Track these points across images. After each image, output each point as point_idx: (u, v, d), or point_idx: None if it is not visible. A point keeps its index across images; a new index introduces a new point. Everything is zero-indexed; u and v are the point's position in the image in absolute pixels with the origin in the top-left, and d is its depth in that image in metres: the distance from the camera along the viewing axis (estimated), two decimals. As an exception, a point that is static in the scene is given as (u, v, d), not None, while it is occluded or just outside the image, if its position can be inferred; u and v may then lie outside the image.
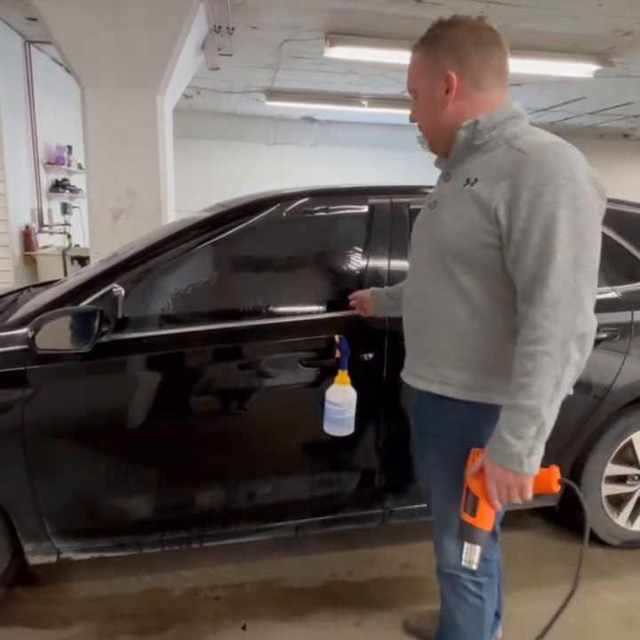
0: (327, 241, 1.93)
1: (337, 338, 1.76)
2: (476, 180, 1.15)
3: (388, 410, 1.88)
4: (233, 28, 4.31)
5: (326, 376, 1.80)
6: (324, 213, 1.91)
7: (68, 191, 5.73)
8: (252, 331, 1.81)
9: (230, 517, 1.88)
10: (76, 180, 5.97)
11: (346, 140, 8.86)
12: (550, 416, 1.06)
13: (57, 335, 1.58)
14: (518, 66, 4.83)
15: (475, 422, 1.23)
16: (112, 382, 1.72)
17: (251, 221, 1.83)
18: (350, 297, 1.79)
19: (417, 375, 1.33)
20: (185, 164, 7.28)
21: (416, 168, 9.21)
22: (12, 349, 1.66)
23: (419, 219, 1.38)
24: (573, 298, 1.03)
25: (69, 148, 5.78)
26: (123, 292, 1.71)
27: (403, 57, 4.59)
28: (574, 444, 2.05)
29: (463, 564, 1.14)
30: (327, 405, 1.75)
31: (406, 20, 4.06)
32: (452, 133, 1.19)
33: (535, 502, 2.13)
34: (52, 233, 5.52)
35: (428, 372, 1.29)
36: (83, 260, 4.80)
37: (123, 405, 1.72)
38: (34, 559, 1.79)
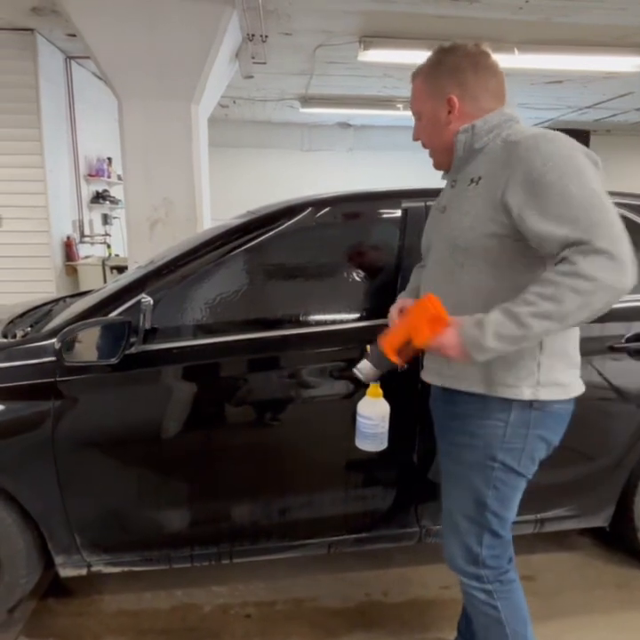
0: (359, 247, 1.86)
1: (368, 348, 1.69)
2: (479, 178, 1.21)
3: (424, 423, 1.78)
4: (266, 36, 4.31)
5: (359, 388, 1.73)
6: (355, 218, 1.85)
7: (108, 202, 5.86)
8: (282, 341, 1.76)
9: (261, 533, 1.82)
10: (116, 192, 6.10)
11: (382, 144, 8.78)
12: (534, 340, 1.12)
13: (86, 347, 1.57)
14: (558, 62, 4.65)
15: (483, 414, 1.24)
16: (142, 394, 1.70)
17: (280, 228, 1.78)
18: (394, 309, 1.71)
19: (436, 372, 1.35)
20: (221, 173, 7.36)
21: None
22: (42, 361, 1.66)
23: (428, 223, 1.44)
24: (616, 250, 1.01)
25: (109, 159, 5.91)
26: (151, 302, 1.69)
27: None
28: (627, 460, 1.92)
29: (355, 371, 1.32)
30: (359, 419, 1.67)
31: (442, 19, 3.96)
32: (453, 149, 1.28)
33: (584, 522, 2.01)
34: (93, 243, 5.64)
35: (444, 368, 1.31)
36: (122, 270, 4.88)
37: (152, 417, 1.70)
38: (65, 572, 1.78)
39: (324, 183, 8.31)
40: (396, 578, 2.06)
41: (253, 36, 4.32)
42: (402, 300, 1.71)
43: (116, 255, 5.77)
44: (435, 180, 2.07)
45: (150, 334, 1.70)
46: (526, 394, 1.20)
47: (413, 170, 8.58)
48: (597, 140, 8.73)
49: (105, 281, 5.02)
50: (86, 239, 5.52)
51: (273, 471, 1.78)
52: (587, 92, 6.18)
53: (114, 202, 5.94)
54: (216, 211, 4.69)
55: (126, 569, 1.80)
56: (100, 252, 5.80)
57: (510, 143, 1.17)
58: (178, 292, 1.73)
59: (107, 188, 5.99)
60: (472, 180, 1.23)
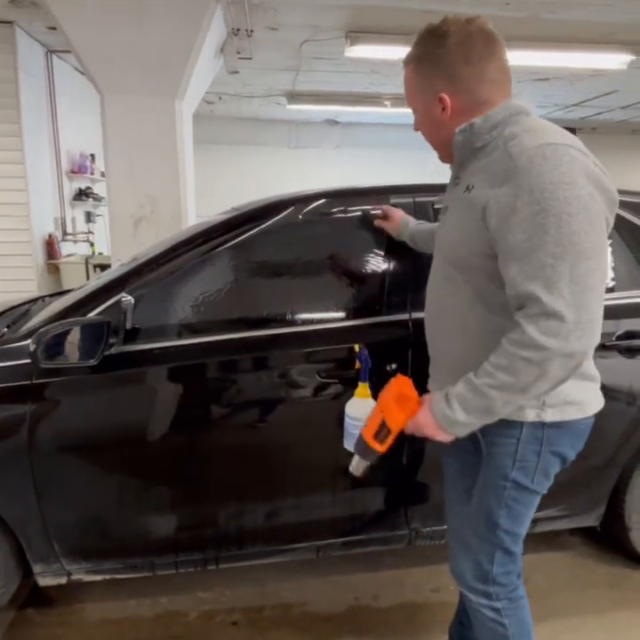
0: (346, 244, 1.81)
1: (357, 347, 1.64)
2: (472, 186, 1.10)
3: (414, 424, 1.75)
4: (251, 30, 4.25)
5: (346, 388, 1.69)
6: (342, 215, 1.80)
7: (91, 199, 5.75)
8: (268, 340, 1.71)
9: (247, 538, 1.77)
10: (100, 189, 5.99)
11: (369, 141, 8.74)
12: (503, 411, 1.05)
13: (63, 348, 1.51)
14: (546, 59, 4.65)
15: (499, 437, 1.16)
16: (122, 396, 1.64)
17: (265, 225, 1.73)
18: (381, 209, 1.72)
19: (440, 384, 1.24)
20: (207, 170, 7.27)
21: (444, 167, 9.06)
22: (17, 363, 1.60)
23: (438, 224, 1.34)
24: (569, 313, 0.94)
25: (92, 156, 5.80)
26: (132, 302, 1.63)
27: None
28: (618, 458, 1.89)
29: (350, 470, 1.25)
30: (347, 420, 1.63)
31: (429, 14, 3.91)
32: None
33: (575, 522, 1.99)
34: (75, 241, 5.53)
35: (445, 381, 1.19)
36: (105, 268, 4.79)
37: (133, 420, 1.64)
38: (44, 581, 1.72)
39: (312, 180, 8.24)
40: (386, 581, 2.02)
41: (238, 30, 4.25)
42: (397, 213, 1.70)
43: (100, 253, 5.67)
44: (424, 178, 2.04)
45: (131, 334, 1.64)
46: (530, 416, 1.11)
47: (402, 167, 8.58)
48: (583, 138, 8.56)
49: (88, 279, 4.92)
50: (69, 237, 5.42)
51: (259, 474, 1.73)
52: (573, 90, 6.20)
53: (97, 199, 5.83)
54: (201, 208, 4.62)
55: (108, 577, 1.75)
56: (82, 250, 5.69)
57: (507, 153, 1.03)
58: (160, 291, 1.67)
59: (90, 185, 5.88)
60: (467, 187, 1.12)
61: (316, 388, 1.70)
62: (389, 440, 1.17)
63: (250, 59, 4.79)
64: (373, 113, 7.49)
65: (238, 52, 4.60)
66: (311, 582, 2.01)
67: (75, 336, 1.51)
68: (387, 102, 6.79)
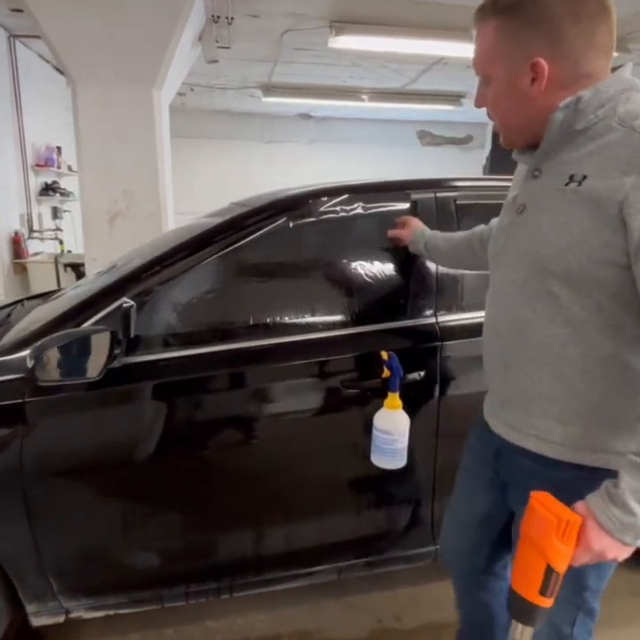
0: (367, 243, 1.68)
1: (385, 355, 1.52)
2: (584, 177, 0.88)
3: (443, 436, 1.64)
4: (232, 18, 4.06)
5: (371, 399, 1.57)
6: (362, 211, 1.67)
7: (58, 194, 5.46)
8: (284, 349, 1.57)
9: (265, 563, 1.63)
10: (67, 183, 5.70)
11: (344, 136, 8.63)
12: None
13: (62, 362, 1.33)
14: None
15: (580, 488, 0.89)
16: (125, 414, 1.48)
17: (280, 222, 1.58)
18: (397, 219, 1.60)
19: (508, 425, 1.05)
20: (178, 165, 7.00)
21: (416, 164, 9.06)
22: (7, 379, 1.41)
23: (499, 226, 1.09)
24: None
25: (59, 148, 5.50)
26: (134, 308, 1.47)
27: (412, 46, 4.36)
28: None
29: None
30: (375, 434, 1.51)
31: (417, 5, 3.83)
32: (540, 125, 0.93)
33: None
34: (42, 239, 5.24)
35: (522, 421, 1.02)
36: (77, 267, 4.54)
37: (138, 441, 1.47)
38: (38, 620, 1.55)
39: (287, 176, 8.11)
40: (406, 599, 1.91)
41: (219, 17, 4.06)
42: (412, 222, 1.58)
43: (69, 251, 5.39)
44: (397, 174, 1.92)
45: (133, 345, 1.48)
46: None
47: (377, 163, 8.52)
48: None
49: (58, 279, 4.65)
50: (35, 234, 5.12)
51: (277, 495, 1.59)
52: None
53: (65, 194, 5.54)
54: (174, 204, 4.41)
55: (111, 612, 1.58)
56: (50, 248, 5.40)
57: (638, 131, 0.84)
58: (168, 295, 1.51)
59: (56, 179, 5.58)
60: (572, 178, 0.89)
61: (339, 399, 1.57)
62: (559, 586, 0.85)
63: (228, 48, 4.59)
64: (348, 108, 7.39)
65: (217, 41, 4.40)
66: (327, 605, 1.88)
67: (75, 349, 1.33)
68: (364, 96, 6.68)
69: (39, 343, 1.31)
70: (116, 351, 1.40)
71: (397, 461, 1.51)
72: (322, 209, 1.62)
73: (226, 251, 1.53)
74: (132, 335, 1.46)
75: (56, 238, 5.43)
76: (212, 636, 1.76)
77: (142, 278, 1.51)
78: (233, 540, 1.59)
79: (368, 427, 1.55)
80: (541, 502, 0.84)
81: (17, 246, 4.68)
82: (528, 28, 0.89)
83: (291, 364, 1.55)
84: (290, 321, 1.58)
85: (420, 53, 4.47)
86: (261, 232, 1.57)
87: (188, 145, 8.02)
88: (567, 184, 0.90)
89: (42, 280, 4.59)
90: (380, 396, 1.54)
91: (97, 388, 1.41)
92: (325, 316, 1.61)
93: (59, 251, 5.27)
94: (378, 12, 3.98)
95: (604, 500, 0.83)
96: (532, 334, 0.97)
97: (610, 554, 0.83)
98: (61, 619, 1.55)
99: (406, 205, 1.69)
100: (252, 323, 1.57)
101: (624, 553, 0.84)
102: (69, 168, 5.70)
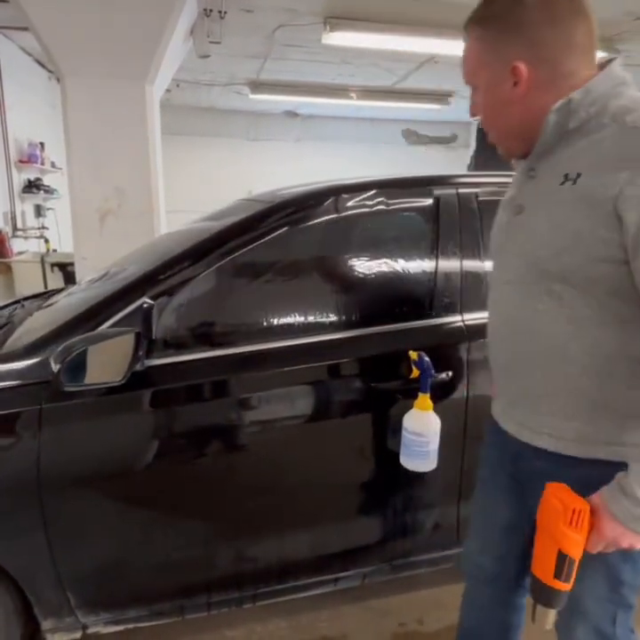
0: (391, 240, 1.65)
1: (414, 354, 1.49)
2: (578, 174, 0.88)
3: (470, 436, 1.61)
4: (225, 12, 3.98)
5: (398, 399, 1.54)
6: (384, 207, 1.64)
7: (42, 192, 5.29)
8: (310, 349, 1.52)
9: (290, 571, 1.59)
10: (50, 180, 5.54)
11: (330, 135, 8.57)
12: None
13: (84, 365, 1.26)
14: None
15: (598, 483, 0.91)
16: (149, 419, 1.42)
17: (306, 217, 1.54)
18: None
19: (519, 423, 1.05)
20: (162, 162, 6.89)
21: (401, 163, 9.06)
22: (23, 384, 1.34)
23: (498, 226, 1.10)
24: None
25: (42, 144, 5.34)
26: (154, 307, 1.41)
27: (406, 43, 4.33)
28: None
29: (536, 624, 0.97)
30: (406, 435, 1.48)
31: (412, 1, 3.80)
32: (531, 129, 0.94)
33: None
34: (26, 237, 5.08)
35: (532, 420, 1.01)
36: (65, 267, 4.40)
37: (160, 448, 1.41)
38: (54, 638, 1.47)
39: (273, 174, 8.03)
40: (427, 602, 1.88)
41: (211, 11, 3.98)
42: None
43: (54, 251, 5.24)
44: (383, 173, 1.90)
45: (155, 346, 1.42)
46: None
47: (364, 161, 8.49)
48: None
49: (45, 279, 4.51)
50: (19, 233, 4.96)
51: (304, 500, 1.55)
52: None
53: (49, 191, 5.38)
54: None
55: (131, 626, 1.52)
56: (33, 247, 5.24)
57: (630, 127, 0.85)
58: (192, 294, 1.45)
59: (39, 176, 5.42)
60: (567, 177, 0.89)
61: (366, 400, 1.54)
62: (575, 570, 0.90)
63: (219, 43, 4.51)
64: (335, 106, 7.34)
65: (208, 36, 4.32)
66: (347, 610, 1.84)
67: (99, 351, 1.26)
68: (353, 94, 6.64)
69: (63, 347, 1.24)
70: (140, 353, 1.34)
71: (428, 464, 1.48)
72: (347, 205, 1.58)
73: (256, 245, 1.48)
74: (154, 337, 1.41)
75: (41, 237, 5.27)
76: (231, 645, 1.71)
77: (163, 278, 1.45)
78: (258, 548, 1.54)
79: (394, 428, 1.52)
80: (554, 493, 0.90)
81: (1, 245, 4.52)
82: (505, 35, 0.92)
83: (316, 365, 1.51)
84: (314, 320, 1.54)
85: (412, 51, 4.45)
86: (284, 229, 1.53)
87: (172, 142, 7.87)
88: (562, 183, 0.90)
89: (27, 280, 4.44)
90: (407, 396, 1.51)
91: (119, 391, 1.34)
92: (349, 316, 1.57)
93: (44, 250, 5.12)
94: (372, 8, 3.94)
95: (616, 492, 0.87)
96: (534, 334, 0.97)
97: (624, 542, 0.88)
98: (78, 635, 1.49)
99: (429, 201, 1.66)
100: (276, 323, 1.52)
101: (635, 543, 0.88)
102: (53, 164, 5.55)
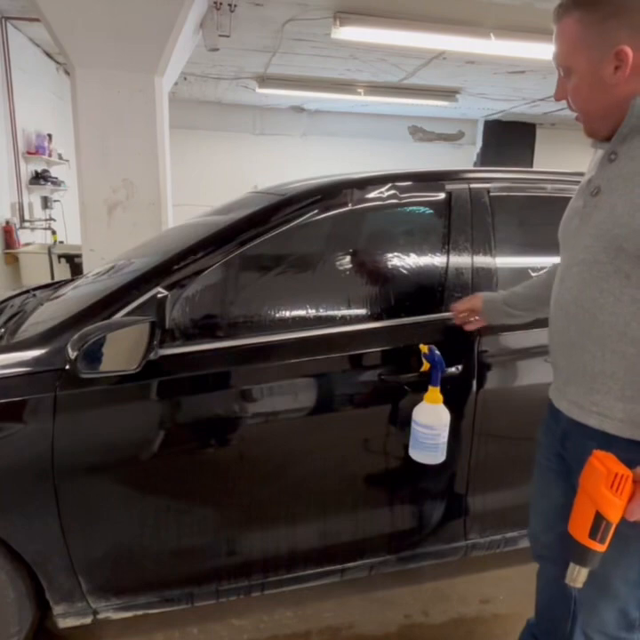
0: (402, 234, 1.66)
1: (424, 348, 1.50)
2: None
3: (479, 430, 1.63)
4: (235, 5, 3.98)
5: (407, 392, 1.55)
6: (396, 201, 1.64)
7: (49, 183, 5.30)
8: (322, 341, 1.53)
9: (298, 560, 1.60)
10: (57, 172, 5.55)
11: (336, 130, 8.57)
12: None
13: (101, 353, 1.27)
14: (535, 51, 4.60)
15: None
16: (161, 409, 1.43)
17: (318, 211, 1.55)
18: (455, 309, 1.52)
19: (570, 401, 1.08)
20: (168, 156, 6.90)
21: (407, 159, 9.05)
22: (36, 371, 1.35)
23: (572, 208, 1.11)
24: None
25: (49, 136, 5.35)
26: (169, 297, 1.42)
27: (416, 39, 4.32)
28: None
29: (567, 581, 0.98)
30: (415, 428, 1.49)
31: (424, -3, 3.80)
32: (622, 112, 0.96)
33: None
34: (33, 229, 5.10)
35: (585, 398, 1.04)
36: (71, 259, 4.42)
37: (174, 435, 1.43)
38: (65, 622, 1.49)
39: (279, 169, 8.04)
40: (432, 594, 1.90)
41: (221, 4, 3.98)
42: (472, 297, 1.53)
43: (61, 242, 5.25)
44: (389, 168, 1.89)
45: (169, 336, 1.43)
46: None
47: (368, 157, 8.48)
48: (543, 133, 8.97)
49: (52, 271, 4.53)
50: (26, 224, 4.98)
51: (313, 490, 1.56)
52: (545, 83, 6.24)
53: (56, 183, 5.39)
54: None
55: (141, 612, 1.53)
56: (40, 238, 5.26)
57: None
58: (206, 283, 1.46)
59: (46, 167, 5.43)
60: None
61: (375, 392, 1.55)
62: (611, 534, 0.92)
63: (228, 36, 4.51)
64: (341, 101, 7.33)
65: (217, 29, 4.32)
66: (353, 600, 1.86)
67: (115, 340, 1.28)
68: (360, 90, 6.63)
69: (80, 334, 1.26)
70: (154, 342, 1.35)
71: (438, 456, 1.49)
72: (359, 198, 1.59)
73: (270, 236, 1.49)
74: (168, 326, 1.42)
75: (48, 228, 5.28)
76: (239, 634, 1.72)
77: (177, 269, 1.46)
78: (267, 537, 1.56)
79: (404, 421, 1.53)
80: (600, 458, 0.92)
81: (8, 236, 4.53)
82: (612, 19, 0.93)
83: (326, 356, 1.52)
84: (325, 313, 1.55)
85: (422, 46, 4.44)
86: (298, 222, 1.54)
87: (178, 136, 7.87)
88: None
89: (34, 271, 4.46)
90: (416, 389, 1.52)
91: (133, 380, 1.36)
92: (361, 309, 1.58)
93: (51, 241, 5.13)
94: (382, 3, 3.94)
95: None
96: (597, 313, 0.99)
97: None
98: (88, 620, 1.50)
99: (441, 196, 1.67)
100: (288, 315, 1.53)
101: None
102: (60, 156, 5.56)
